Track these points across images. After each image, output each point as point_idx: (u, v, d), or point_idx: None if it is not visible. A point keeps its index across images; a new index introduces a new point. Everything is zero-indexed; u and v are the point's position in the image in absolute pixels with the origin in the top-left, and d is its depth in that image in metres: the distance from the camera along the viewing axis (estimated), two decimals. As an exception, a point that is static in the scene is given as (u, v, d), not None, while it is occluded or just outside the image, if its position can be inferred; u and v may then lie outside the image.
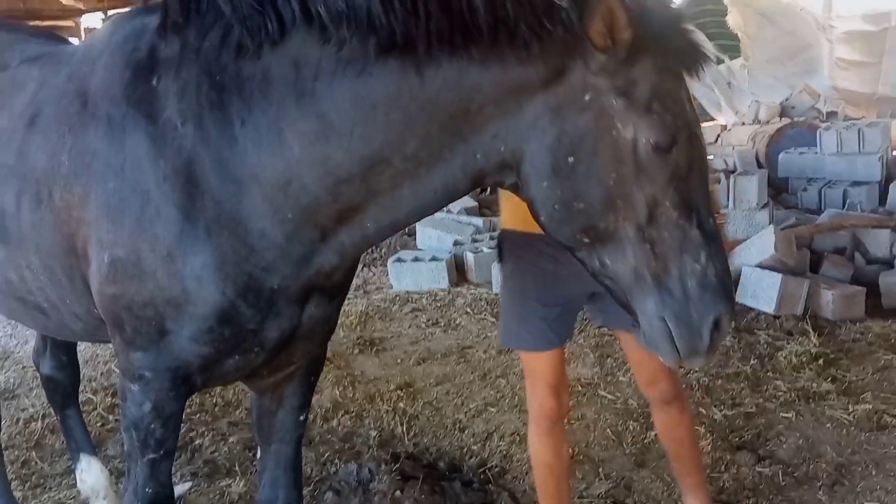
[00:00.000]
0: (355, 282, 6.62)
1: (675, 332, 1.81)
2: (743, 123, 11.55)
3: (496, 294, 6.03)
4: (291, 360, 2.30)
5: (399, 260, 6.70)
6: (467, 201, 8.35)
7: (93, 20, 15.57)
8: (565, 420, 2.89)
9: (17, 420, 4.49)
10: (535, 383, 2.76)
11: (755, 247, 5.58)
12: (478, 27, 1.66)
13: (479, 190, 8.80)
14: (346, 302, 6.12)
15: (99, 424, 4.38)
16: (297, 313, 2.07)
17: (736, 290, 5.43)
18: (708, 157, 1.88)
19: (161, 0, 1.98)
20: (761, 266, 5.43)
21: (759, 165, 8.98)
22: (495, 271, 6.12)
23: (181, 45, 1.93)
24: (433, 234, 7.25)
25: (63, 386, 3.71)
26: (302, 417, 2.51)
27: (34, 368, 5.12)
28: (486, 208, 8.25)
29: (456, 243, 7.04)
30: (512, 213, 2.60)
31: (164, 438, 2.19)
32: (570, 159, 1.73)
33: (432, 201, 1.90)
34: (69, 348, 3.71)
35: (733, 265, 5.34)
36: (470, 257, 6.66)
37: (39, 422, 4.46)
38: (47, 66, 2.39)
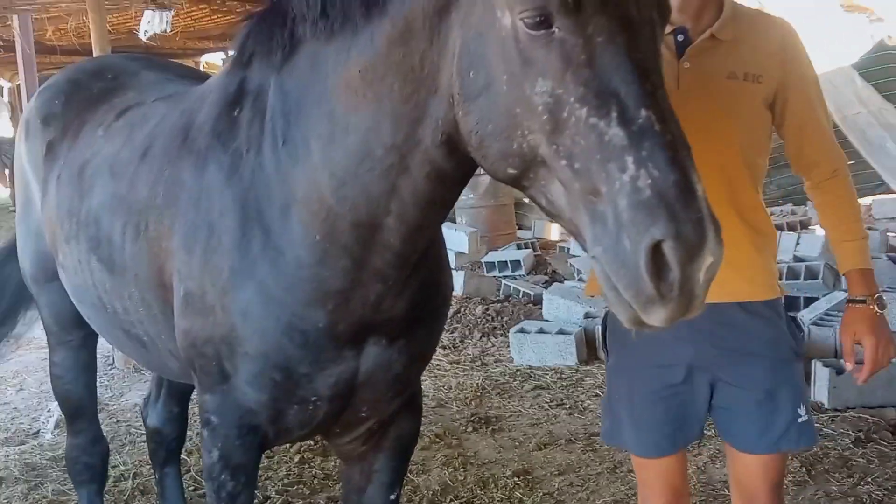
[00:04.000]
0: (472, 351, 6.65)
1: (611, 272, 1.43)
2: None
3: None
4: (360, 415, 2.31)
5: (522, 330, 6.50)
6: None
7: (213, 58, 16.51)
8: None
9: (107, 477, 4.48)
10: (647, 495, 2.55)
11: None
12: None
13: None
14: (461, 374, 6.16)
15: (191, 489, 4.33)
16: (353, 357, 2.11)
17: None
18: (642, 26, 1.51)
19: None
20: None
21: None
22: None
23: (261, 75, 2.08)
24: (561, 304, 7.00)
25: (169, 440, 3.73)
26: (393, 496, 2.52)
27: (127, 424, 5.33)
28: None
29: (587, 315, 6.78)
30: None
31: (235, 493, 2.27)
32: (472, 73, 1.60)
33: (432, 193, 1.86)
34: (182, 400, 3.73)
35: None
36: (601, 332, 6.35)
37: (130, 481, 4.47)
38: (171, 103, 2.60)
